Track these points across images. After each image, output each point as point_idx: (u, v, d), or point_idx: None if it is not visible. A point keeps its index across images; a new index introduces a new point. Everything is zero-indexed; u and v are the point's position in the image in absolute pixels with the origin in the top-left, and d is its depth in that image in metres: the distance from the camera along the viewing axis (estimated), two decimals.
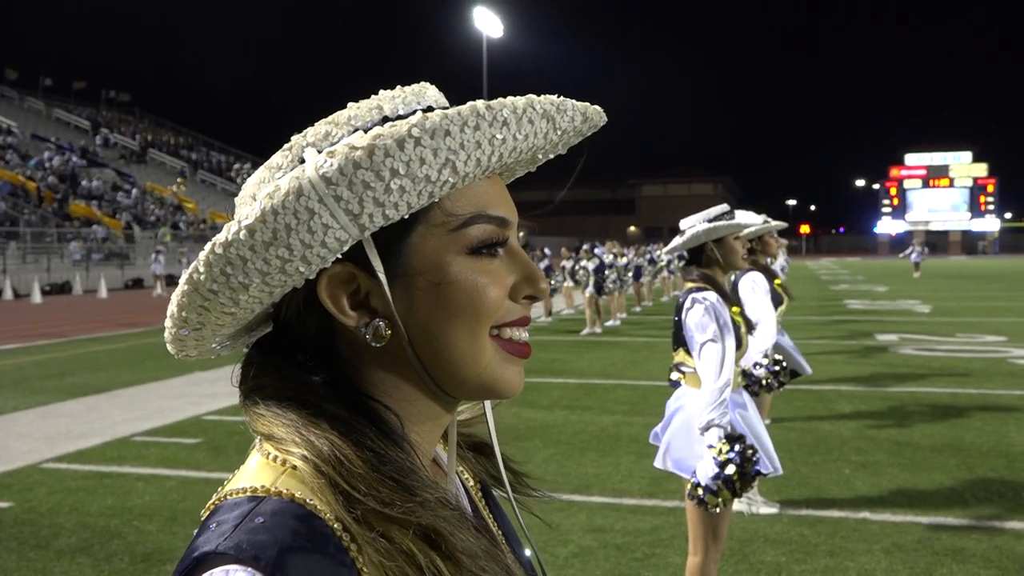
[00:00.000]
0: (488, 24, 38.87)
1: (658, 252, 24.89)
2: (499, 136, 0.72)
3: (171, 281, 31.80)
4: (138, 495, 5.78)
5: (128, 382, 10.53)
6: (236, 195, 0.80)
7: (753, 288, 5.59)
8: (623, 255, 19.86)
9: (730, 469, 3.00)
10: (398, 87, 0.79)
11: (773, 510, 5.23)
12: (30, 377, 11.16)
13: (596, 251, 17.81)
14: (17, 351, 14.03)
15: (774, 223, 6.03)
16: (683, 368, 3.50)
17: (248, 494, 0.70)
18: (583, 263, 17.24)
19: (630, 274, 19.59)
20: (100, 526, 5.17)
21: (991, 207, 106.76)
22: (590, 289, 16.33)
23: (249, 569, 0.63)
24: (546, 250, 23.27)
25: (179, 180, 49.19)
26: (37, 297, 26.17)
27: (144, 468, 6.47)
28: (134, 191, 44.87)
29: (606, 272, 16.67)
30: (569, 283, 18.71)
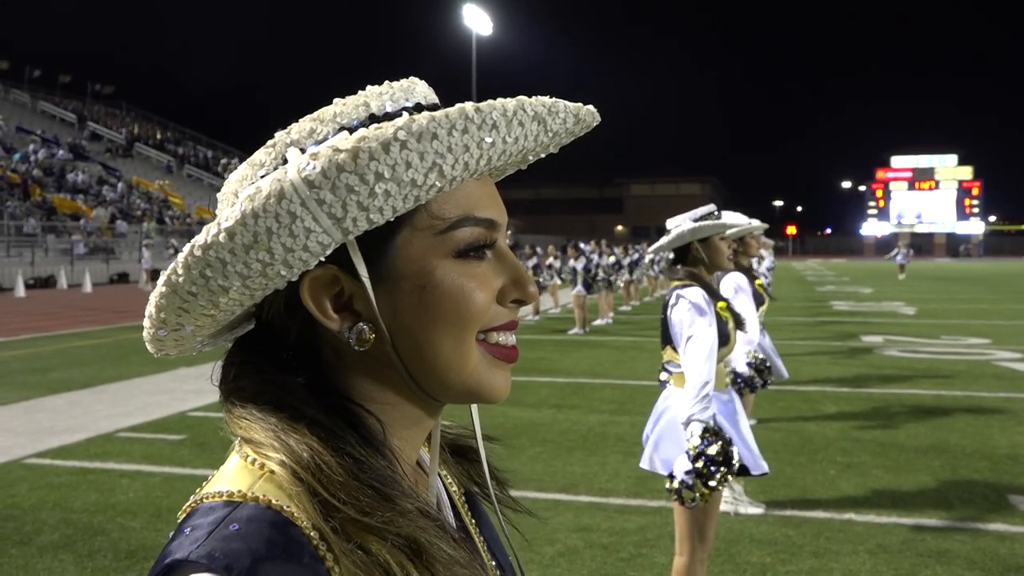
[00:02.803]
0: (477, 21, 38.80)
1: (647, 252, 24.94)
2: (488, 139, 0.70)
3: (156, 276, 31.63)
4: (122, 491, 5.74)
5: (112, 377, 10.46)
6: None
7: (735, 289, 5.65)
8: (611, 254, 19.89)
9: (700, 462, 3.00)
10: (386, 82, 0.76)
11: (759, 510, 5.24)
12: (12, 372, 11.07)
13: (583, 247, 17.77)
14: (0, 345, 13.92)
15: (757, 223, 6.07)
16: (670, 367, 3.50)
17: (224, 498, 0.68)
18: (571, 263, 17.19)
19: (617, 273, 19.60)
20: (83, 522, 5.13)
21: (976, 210, 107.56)
22: (579, 288, 16.29)
23: None
24: (538, 248, 23.15)
25: (167, 182, 49.01)
26: (21, 291, 25.98)
27: (128, 464, 6.43)
28: (120, 185, 44.61)
29: (594, 270, 16.64)
30: (556, 281, 18.68)
